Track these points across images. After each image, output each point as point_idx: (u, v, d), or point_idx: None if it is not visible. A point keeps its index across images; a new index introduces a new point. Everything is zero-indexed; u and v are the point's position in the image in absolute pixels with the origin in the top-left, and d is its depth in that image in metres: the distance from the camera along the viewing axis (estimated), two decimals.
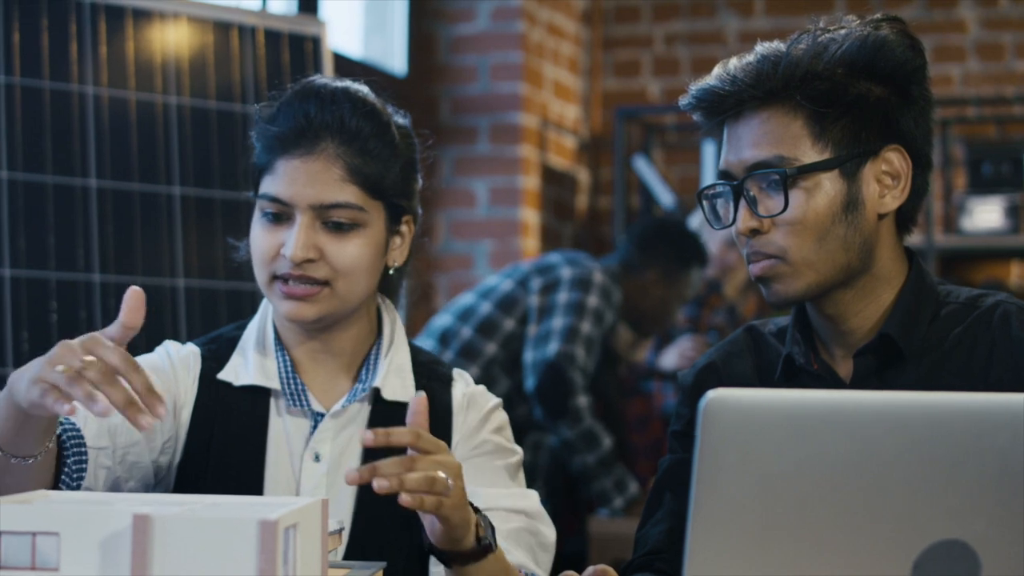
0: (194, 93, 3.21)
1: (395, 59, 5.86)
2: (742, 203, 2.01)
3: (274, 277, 2.15)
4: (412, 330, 5.51)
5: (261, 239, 2.17)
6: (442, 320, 4.58)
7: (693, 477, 1.20)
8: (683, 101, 2.08)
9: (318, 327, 2.19)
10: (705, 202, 2.09)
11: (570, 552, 4.77)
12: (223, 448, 2.17)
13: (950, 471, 1.23)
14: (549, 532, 2.21)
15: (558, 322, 4.35)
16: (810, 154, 1.99)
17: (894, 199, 2.02)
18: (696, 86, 2.06)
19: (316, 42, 3.43)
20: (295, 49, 3.39)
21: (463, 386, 2.28)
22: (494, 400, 2.28)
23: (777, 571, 1.21)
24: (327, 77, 2.26)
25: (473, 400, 2.26)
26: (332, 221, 2.13)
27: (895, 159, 2.01)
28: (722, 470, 1.21)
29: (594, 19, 6.50)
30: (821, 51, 1.99)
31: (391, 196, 2.19)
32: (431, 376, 2.26)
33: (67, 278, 2.98)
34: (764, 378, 2.10)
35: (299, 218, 2.12)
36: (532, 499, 2.21)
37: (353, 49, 5.68)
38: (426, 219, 5.92)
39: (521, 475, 2.26)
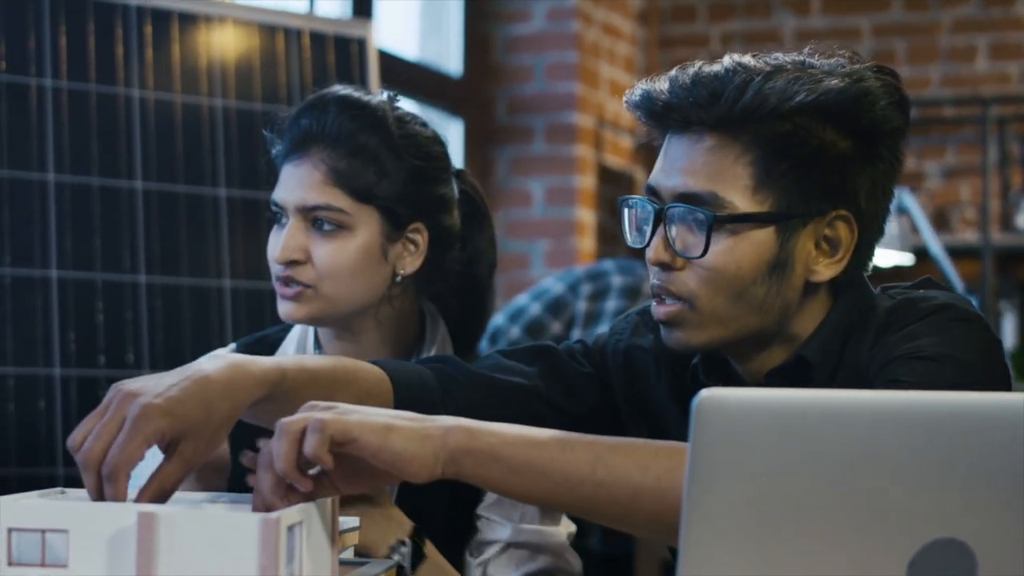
0: (240, 96, 3.24)
1: (451, 60, 5.89)
2: (660, 231, 1.81)
3: (277, 278, 2.20)
4: None
5: (269, 243, 2.25)
6: (496, 319, 4.61)
7: (687, 477, 1.21)
8: (627, 97, 1.87)
9: (328, 328, 2.25)
10: (627, 210, 1.88)
11: (618, 553, 4.78)
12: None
13: (945, 470, 1.22)
14: (575, 563, 2.23)
15: (603, 329, 4.36)
16: (747, 201, 1.77)
17: (827, 268, 1.80)
18: (645, 86, 1.84)
19: (362, 44, 3.45)
20: (341, 51, 3.41)
21: None
22: None
23: (772, 570, 1.22)
24: (340, 86, 2.28)
25: None
26: (318, 224, 2.18)
27: (840, 227, 1.79)
28: (716, 470, 1.21)
29: (650, 19, 6.50)
30: (794, 91, 1.75)
31: (386, 201, 2.20)
32: None
33: (113, 279, 3.02)
34: (672, 379, 1.98)
35: (290, 220, 2.18)
36: (559, 534, 2.22)
37: (409, 50, 5.71)
38: None
39: None
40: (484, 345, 4.45)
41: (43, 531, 1.34)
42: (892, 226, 4.88)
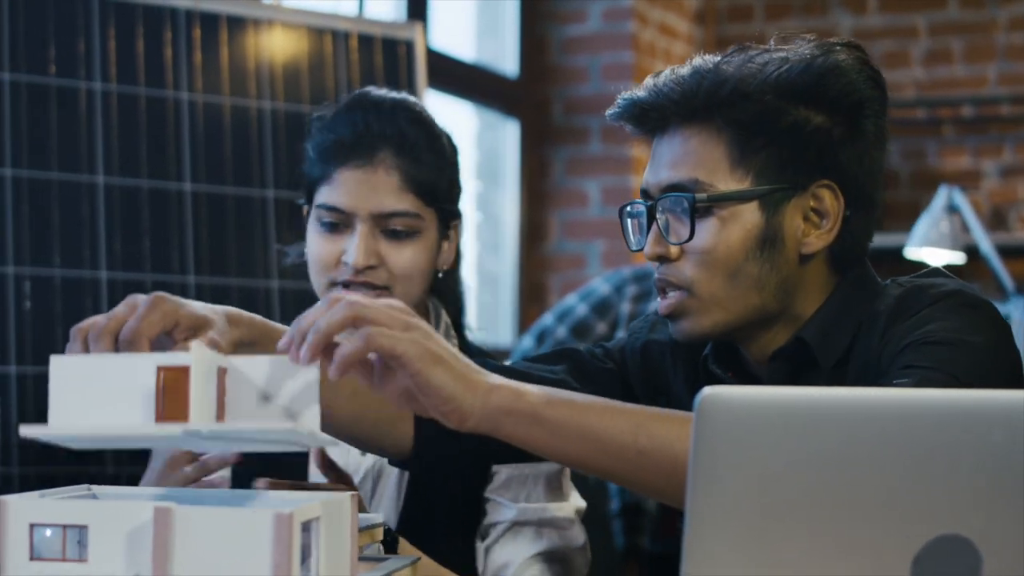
0: (288, 98, 3.26)
1: (507, 61, 5.91)
2: (654, 226, 1.87)
3: (333, 284, 2.21)
4: (522, 328, 5.55)
5: (320, 247, 2.23)
6: (544, 319, 4.63)
7: (689, 475, 1.22)
8: (610, 111, 1.95)
9: None
10: (629, 220, 1.94)
11: (669, 551, 4.78)
12: None
13: (949, 467, 1.23)
14: (581, 537, 2.24)
15: None
16: (728, 181, 1.84)
17: (819, 239, 1.86)
18: (624, 96, 1.93)
19: (410, 46, 3.47)
20: (388, 53, 3.43)
21: None
22: None
23: (775, 568, 1.23)
24: (382, 89, 2.32)
25: None
26: (391, 229, 2.20)
27: (825, 196, 1.85)
28: (719, 468, 1.22)
29: (707, 18, 6.49)
30: (755, 71, 1.85)
31: (442, 202, 2.25)
32: None
33: (162, 280, 3.05)
34: (688, 371, 2.02)
35: (359, 227, 2.19)
36: (564, 509, 2.24)
37: (465, 52, 5.73)
38: (539, 219, 5.95)
39: (566, 480, 2.28)
40: (531, 344, 4.48)
41: (64, 526, 1.37)
42: (943, 225, 4.87)
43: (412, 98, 2.31)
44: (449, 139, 2.31)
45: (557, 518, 2.23)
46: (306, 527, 1.39)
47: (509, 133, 5.89)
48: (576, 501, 2.28)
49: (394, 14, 5.01)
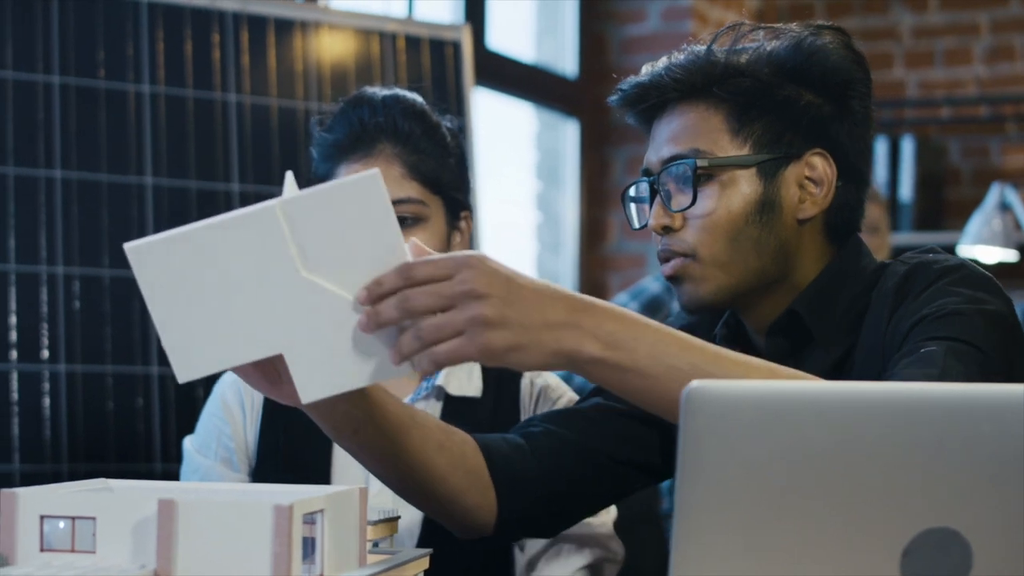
0: (335, 99, 3.29)
1: (566, 61, 5.92)
2: (657, 199, 1.93)
3: None
4: None
5: None
6: None
7: (677, 470, 1.23)
8: (611, 97, 2.02)
9: None
10: (632, 204, 2.01)
11: None
12: (291, 447, 2.26)
13: (938, 459, 1.23)
14: (620, 551, 2.27)
15: None
16: (728, 149, 1.92)
17: (814, 204, 1.94)
18: (623, 82, 2.00)
19: (457, 46, 3.50)
20: (436, 54, 3.46)
21: (533, 375, 2.33)
22: (569, 394, 2.32)
23: (765, 560, 1.23)
24: (377, 86, 2.35)
25: (544, 393, 2.31)
26: (397, 217, 2.22)
27: (819, 164, 1.94)
28: (706, 461, 1.22)
29: (766, 17, 6.47)
30: (748, 49, 1.93)
31: (448, 190, 2.27)
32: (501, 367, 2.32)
33: None
34: None
35: None
36: (604, 524, 2.26)
37: (525, 53, 5.75)
38: (599, 219, 5.93)
39: None
40: None
41: (73, 518, 1.40)
42: (995, 222, 4.84)
43: (407, 92, 2.35)
44: (451, 131, 2.34)
45: (598, 535, 2.25)
46: (310, 519, 1.42)
47: (569, 133, 5.90)
48: (611, 513, 2.30)
49: (451, 15, 5.04)
